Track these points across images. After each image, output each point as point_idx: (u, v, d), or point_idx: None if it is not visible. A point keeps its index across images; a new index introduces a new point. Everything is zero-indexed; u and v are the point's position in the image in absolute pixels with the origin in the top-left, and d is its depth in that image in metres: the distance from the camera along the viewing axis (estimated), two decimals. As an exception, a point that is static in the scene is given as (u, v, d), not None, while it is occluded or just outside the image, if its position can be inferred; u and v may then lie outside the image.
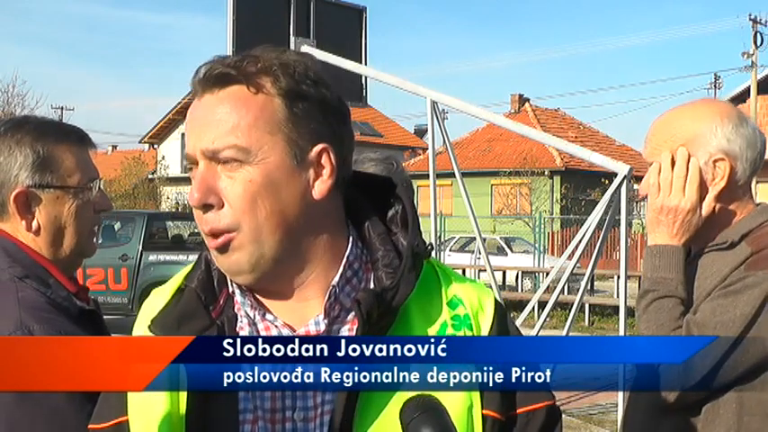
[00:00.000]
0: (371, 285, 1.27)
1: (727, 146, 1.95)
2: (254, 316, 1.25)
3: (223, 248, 1.22)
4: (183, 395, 1.20)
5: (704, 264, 1.97)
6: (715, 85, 40.92)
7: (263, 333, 1.25)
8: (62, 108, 46.40)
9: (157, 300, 1.31)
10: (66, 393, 1.63)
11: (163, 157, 41.71)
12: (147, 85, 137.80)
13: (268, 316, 1.25)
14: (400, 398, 1.17)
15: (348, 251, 1.28)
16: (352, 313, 1.25)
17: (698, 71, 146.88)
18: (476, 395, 1.23)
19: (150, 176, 39.71)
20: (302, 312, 1.25)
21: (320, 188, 1.25)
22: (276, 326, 1.25)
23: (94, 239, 1.99)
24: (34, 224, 1.87)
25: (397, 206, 1.33)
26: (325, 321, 1.24)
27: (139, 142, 45.70)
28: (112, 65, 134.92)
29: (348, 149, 1.29)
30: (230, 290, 1.28)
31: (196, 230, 16.96)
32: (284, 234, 1.22)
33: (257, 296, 1.27)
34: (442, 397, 1.20)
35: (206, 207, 1.21)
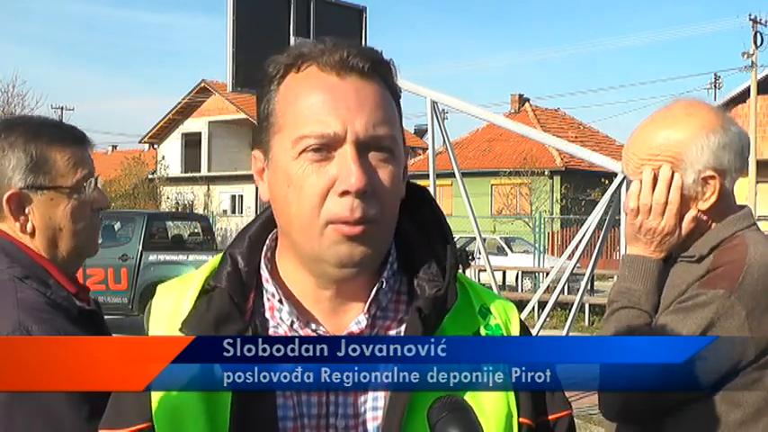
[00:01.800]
0: (405, 288, 1.27)
1: (716, 161, 1.90)
2: (293, 323, 1.22)
3: (361, 237, 1.16)
4: (226, 401, 1.17)
5: (674, 274, 1.96)
6: (715, 85, 40.91)
7: None
8: (62, 108, 46.43)
9: (176, 300, 1.25)
10: (65, 394, 1.62)
11: (163, 157, 41.72)
12: (147, 85, 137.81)
13: (311, 324, 1.22)
14: None
15: (391, 249, 1.27)
16: (390, 318, 1.25)
17: (698, 71, 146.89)
18: (513, 402, 1.23)
19: (150, 176, 39.72)
20: (342, 319, 1.24)
21: (403, 189, 1.25)
22: (319, 334, 1.22)
23: (96, 238, 1.98)
24: (28, 226, 1.86)
25: (429, 213, 1.31)
26: (366, 317, 1.22)
27: (139, 142, 45.72)
28: (112, 65, 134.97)
29: None
30: (275, 297, 1.23)
31: (196, 230, 17.02)
32: (393, 231, 1.23)
33: (301, 302, 1.24)
34: (485, 404, 1.21)
35: (363, 194, 1.15)
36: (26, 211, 1.86)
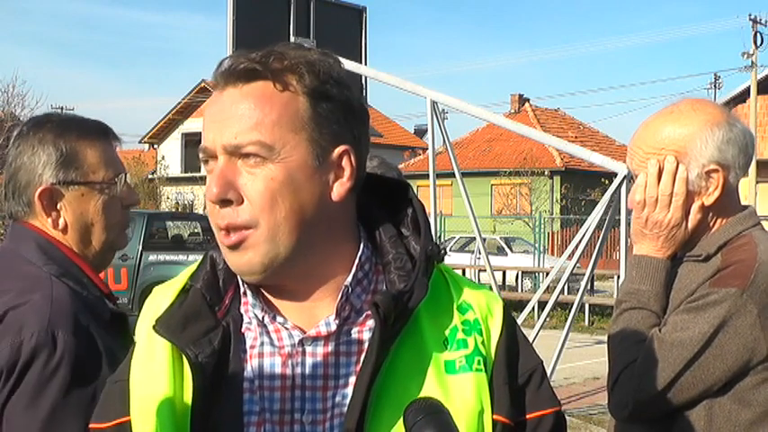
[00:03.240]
0: (382, 287, 1.26)
1: (720, 155, 1.89)
2: (263, 318, 1.23)
3: (237, 246, 1.19)
4: (188, 396, 1.19)
5: (681, 274, 1.95)
6: (715, 85, 40.92)
7: (272, 335, 1.23)
8: (62, 108, 46.26)
9: (161, 299, 1.29)
10: None
11: (163, 157, 41.68)
12: (147, 85, 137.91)
13: (278, 318, 1.23)
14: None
15: (360, 252, 1.26)
16: (363, 315, 1.24)
17: (698, 71, 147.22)
18: (486, 400, 1.23)
19: (150, 176, 39.68)
20: (312, 314, 1.24)
21: (339, 190, 1.23)
22: (286, 328, 1.22)
23: (126, 233, 1.98)
24: (60, 222, 1.86)
25: (408, 209, 1.32)
26: (336, 322, 1.22)
27: (139, 142, 45.67)
28: (112, 65, 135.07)
29: (366, 152, 1.28)
30: (242, 290, 1.26)
31: (196, 230, 17.00)
32: (300, 234, 1.20)
33: (268, 297, 1.25)
34: (456, 401, 1.20)
35: (224, 202, 1.18)
36: (58, 206, 1.87)
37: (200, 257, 1.33)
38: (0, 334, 1.67)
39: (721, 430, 1.82)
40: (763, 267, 1.82)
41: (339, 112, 1.22)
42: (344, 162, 1.23)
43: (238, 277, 1.27)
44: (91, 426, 1.30)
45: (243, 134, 1.18)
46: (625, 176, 6.72)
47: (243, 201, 1.18)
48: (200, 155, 1.22)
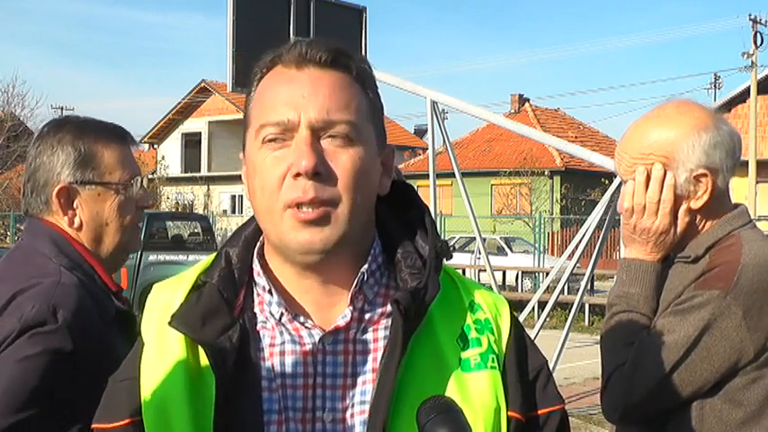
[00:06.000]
0: (392, 282, 1.28)
1: (707, 160, 1.89)
2: (281, 317, 1.23)
3: (317, 221, 1.18)
4: (208, 395, 1.18)
5: (671, 275, 1.96)
6: (715, 85, 40.94)
7: (293, 333, 1.23)
8: (62, 108, 46.34)
9: (168, 296, 1.27)
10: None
11: (163, 157, 41.70)
12: (147, 85, 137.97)
13: (300, 317, 1.23)
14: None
15: (375, 243, 1.28)
16: (377, 314, 1.25)
17: (698, 71, 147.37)
18: (501, 396, 1.24)
19: (150, 176, 39.68)
20: (330, 313, 1.24)
21: (385, 185, 1.28)
22: (306, 327, 1.23)
23: (139, 235, 2.03)
24: (76, 220, 1.91)
25: (413, 209, 1.33)
26: (350, 308, 1.23)
27: (139, 142, 45.68)
28: (112, 65, 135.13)
29: None
30: (266, 288, 1.25)
31: (196, 230, 17.00)
32: (363, 219, 1.23)
33: (291, 296, 1.25)
34: (473, 398, 1.21)
35: (314, 175, 1.18)
36: (74, 205, 1.92)
37: (200, 257, 1.32)
38: (8, 313, 1.74)
39: (713, 430, 1.83)
40: (747, 269, 1.83)
41: (382, 112, 1.30)
42: (390, 159, 1.29)
43: (259, 275, 1.27)
44: (94, 426, 1.27)
45: (335, 112, 1.20)
46: (625, 176, 6.71)
47: (330, 177, 1.19)
48: (271, 129, 1.20)
